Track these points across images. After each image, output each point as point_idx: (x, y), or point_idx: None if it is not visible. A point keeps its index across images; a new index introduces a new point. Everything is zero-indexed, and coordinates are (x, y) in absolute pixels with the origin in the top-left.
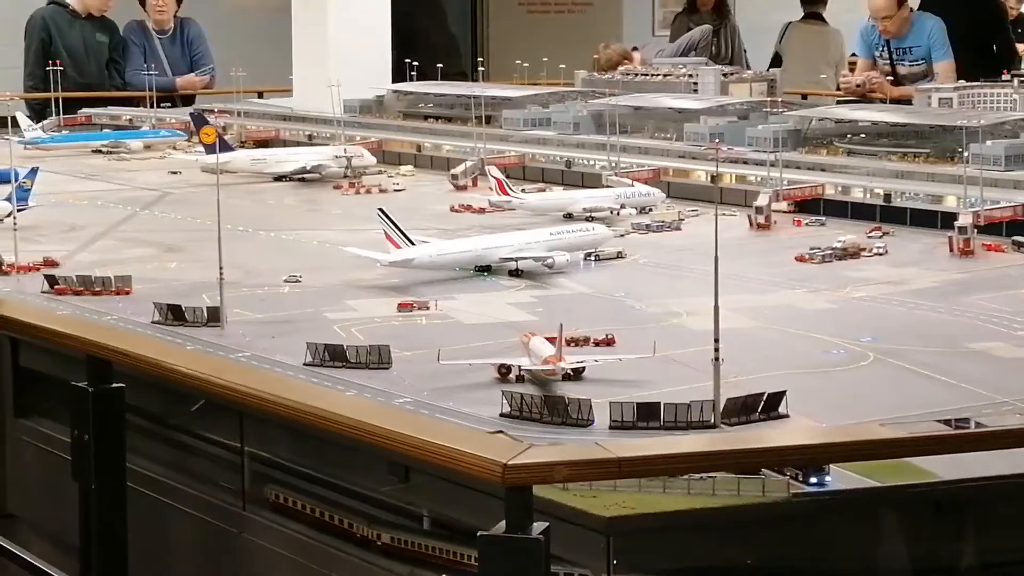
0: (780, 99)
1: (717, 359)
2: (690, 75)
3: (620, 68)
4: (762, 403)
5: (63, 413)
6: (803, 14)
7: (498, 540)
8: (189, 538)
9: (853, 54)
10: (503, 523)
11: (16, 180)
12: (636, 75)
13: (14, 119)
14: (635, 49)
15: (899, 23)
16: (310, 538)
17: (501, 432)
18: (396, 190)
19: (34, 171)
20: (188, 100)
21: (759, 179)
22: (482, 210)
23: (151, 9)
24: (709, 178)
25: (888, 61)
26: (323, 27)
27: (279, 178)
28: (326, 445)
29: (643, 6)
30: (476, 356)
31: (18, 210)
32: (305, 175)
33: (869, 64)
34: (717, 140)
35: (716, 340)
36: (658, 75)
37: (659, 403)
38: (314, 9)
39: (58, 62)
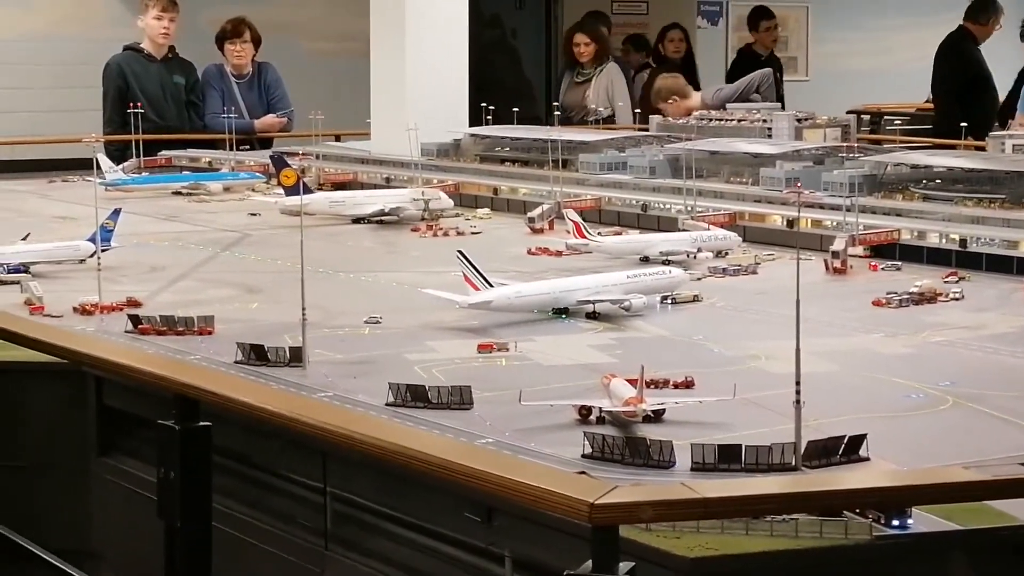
0: (855, 144)
1: (798, 402)
2: (764, 120)
3: (694, 115)
4: (843, 446)
5: (145, 451)
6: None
7: None
8: None
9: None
10: (589, 563)
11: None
12: (710, 120)
13: (97, 161)
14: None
15: None
16: None
17: (584, 473)
18: (473, 232)
19: (117, 212)
20: (266, 143)
21: (835, 223)
22: (559, 253)
23: (229, 54)
24: (785, 222)
25: None
26: (401, 71)
27: (357, 220)
28: (408, 485)
29: (716, 51)
30: (556, 397)
31: (101, 251)
32: (383, 217)
33: None
34: (798, 183)
35: (797, 383)
36: (732, 120)
37: (740, 445)
38: (393, 54)
39: (138, 104)
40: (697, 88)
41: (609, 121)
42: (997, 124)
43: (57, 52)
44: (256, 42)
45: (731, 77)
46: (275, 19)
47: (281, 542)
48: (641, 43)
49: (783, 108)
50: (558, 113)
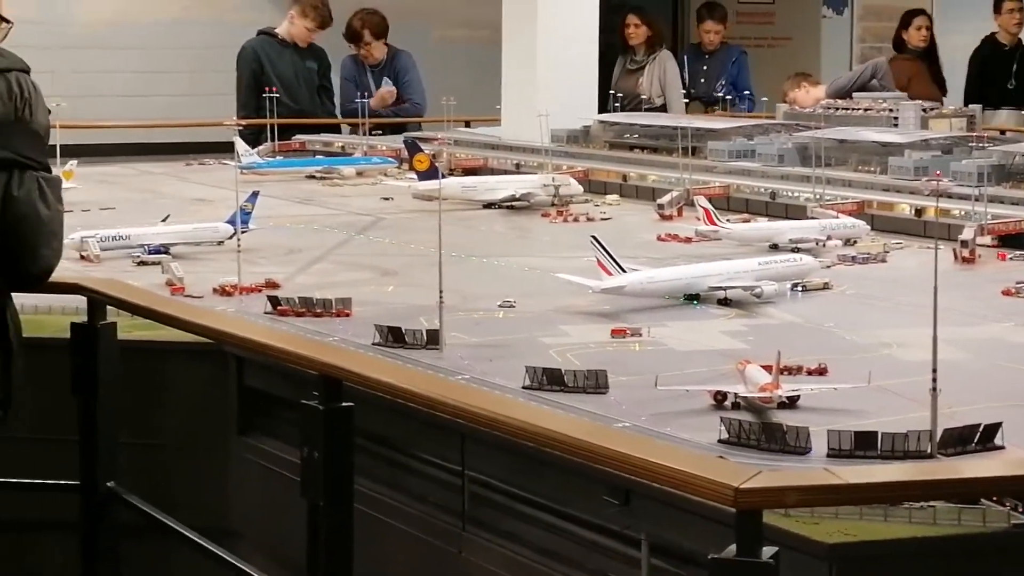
0: (985, 134)
1: (935, 389)
2: (890, 109)
3: (821, 103)
4: (978, 434)
5: (283, 430)
6: None
7: (731, 564)
8: (408, 557)
9: None
10: (733, 547)
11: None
12: (837, 109)
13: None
14: (817, 83)
15: None
16: (529, 560)
17: (722, 457)
18: (603, 219)
19: (255, 195)
20: (399, 128)
21: (963, 213)
22: (688, 239)
23: (358, 53)
24: (914, 211)
25: None
26: (532, 58)
27: (488, 205)
28: (545, 467)
29: (841, 40)
30: (689, 382)
31: (241, 232)
32: (514, 203)
33: None
34: (938, 172)
35: (934, 370)
36: (859, 109)
37: (876, 432)
38: (524, 41)
39: (274, 88)
40: (940, 81)
41: (661, 111)
42: None
43: (191, 36)
44: (379, 35)
45: (971, 73)
46: (405, 6)
47: (419, 522)
48: None
49: None
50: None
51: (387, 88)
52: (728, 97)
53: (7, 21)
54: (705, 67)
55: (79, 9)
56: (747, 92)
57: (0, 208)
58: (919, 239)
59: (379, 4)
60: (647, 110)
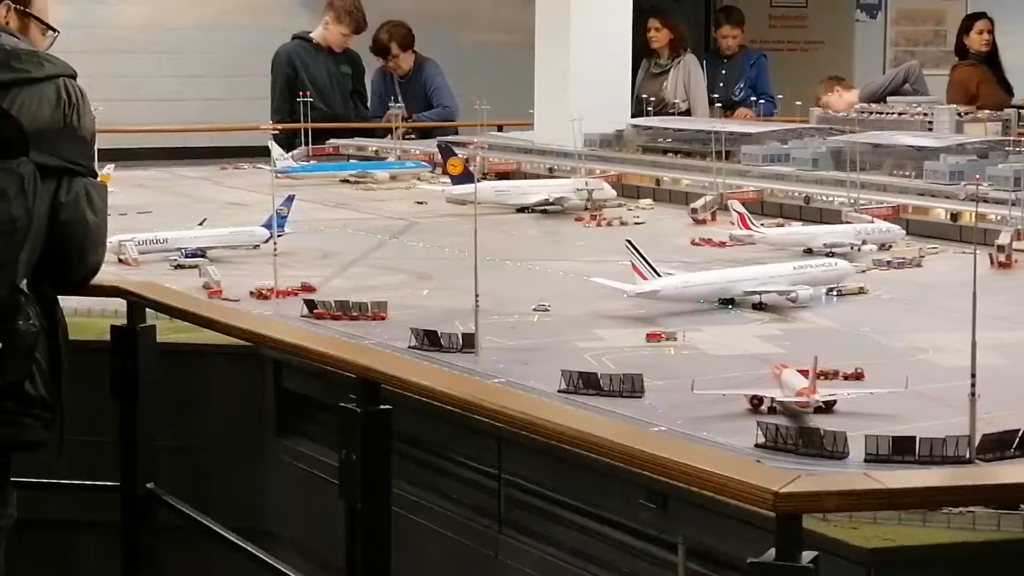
0: (1021, 138)
1: (973, 394)
2: (925, 113)
3: (856, 107)
4: (1017, 439)
5: (320, 433)
6: None
7: (771, 568)
8: (443, 559)
9: None
10: (772, 551)
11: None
12: (871, 113)
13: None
14: (850, 87)
15: None
16: (566, 562)
17: (759, 461)
18: (636, 223)
19: (291, 199)
20: (426, 133)
21: (999, 218)
22: (723, 244)
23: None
24: (949, 216)
25: None
26: (565, 62)
27: (521, 209)
28: (582, 471)
29: (874, 45)
30: (725, 387)
31: (277, 236)
32: (547, 207)
33: None
34: (977, 176)
35: (973, 375)
36: (893, 113)
37: (914, 437)
38: (557, 45)
39: (308, 93)
40: (1006, 84)
41: (685, 115)
42: None
43: (227, 41)
44: (405, 47)
45: None
46: (437, 11)
47: (455, 525)
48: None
49: None
50: (645, 95)
51: (394, 110)
52: (753, 99)
53: (54, 30)
54: (724, 71)
55: (117, 14)
56: (767, 95)
57: (49, 214)
58: (954, 243)
59: (411, 9)
60: (677, 114)
